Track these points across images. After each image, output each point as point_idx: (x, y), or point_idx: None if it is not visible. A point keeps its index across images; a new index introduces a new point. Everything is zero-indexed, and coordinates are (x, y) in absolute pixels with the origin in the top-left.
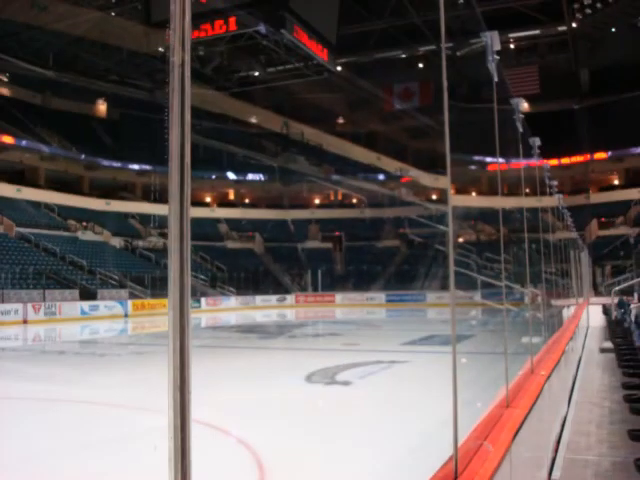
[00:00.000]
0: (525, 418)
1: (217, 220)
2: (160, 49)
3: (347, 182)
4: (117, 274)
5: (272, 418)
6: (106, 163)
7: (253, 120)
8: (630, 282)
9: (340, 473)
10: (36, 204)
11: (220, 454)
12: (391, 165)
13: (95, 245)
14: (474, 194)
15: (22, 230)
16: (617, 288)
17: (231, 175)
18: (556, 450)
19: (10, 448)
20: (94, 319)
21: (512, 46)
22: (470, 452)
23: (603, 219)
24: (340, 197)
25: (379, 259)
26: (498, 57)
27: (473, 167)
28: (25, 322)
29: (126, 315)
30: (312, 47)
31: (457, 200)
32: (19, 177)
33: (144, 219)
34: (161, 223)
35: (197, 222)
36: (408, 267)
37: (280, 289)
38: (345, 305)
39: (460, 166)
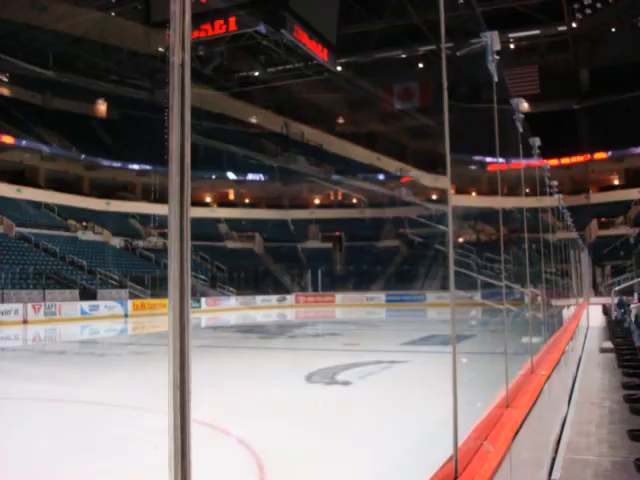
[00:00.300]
0: (525, 418)
1: (217, 220)
2: (160, 49)
3: (347, 182)
4: (117, 274)
5: (272, 418)
6: (106, 163)
7: (253, 120)
8: (630, 282)
9: (340, 473)
10: (36, 204)
11: (220, 454)
12: (391, 165)
13: (95, 245)
14: (474, 194)
15: (22, 230)
16: (617, 288)
17: (231, 175)
18: (556, 450)
19: (10, 448)
20: (94, 319)
21: (512, 46)
22: (470, 452)
23: (603, 219)
24: (340, 197)
25: (379, 259)
26: (498, 57)
27: (473, 167)
28: (25, 322)
29: (126, 315)
30: (312, 47)
31: (457, 200)
32: (19, 177)
33: (144, 219)
34: (161, 223)
35: (197, 222)
36: (408, 267)
37: (280, 289)
38: (345, 305)
39: (460, 166)
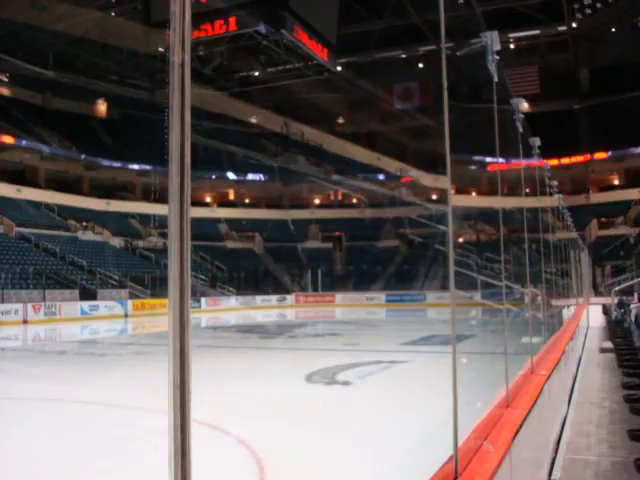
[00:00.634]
0: (525, 418)
1: (217, 220)
2: (160, 49)
3: (347, 182)
4: (117, 274)
5: (272, 418)
6: (106, 163)
7: (253, 120)
8: (630, 282)
9: (340, 473)
10: (36, 204)
11: (220, 454)
12: (391, 165)
13: (95, 245)
14: (474, 194)
15: (22, 230)
16: (617, 288)
17: (231, 175)
18: (556, 450)
19: (10, 448)
20: (94, 319)
21: (512, 46)
22: (470, 452)
23: (603, 219)
24: (340, 197)
25: (379, 259)
26: (498, 57)
27: (473, 167)
28: (25, 322)
29: (126, 315)
30: (312, 47)
31: (457, 200)
32: (19, 177)
33: (144, 219)
34: (161, 223)
35: (197, 222)
36: (408, 267)
37: (280, 289)
38: (345, 305)
39: (460, 166)
